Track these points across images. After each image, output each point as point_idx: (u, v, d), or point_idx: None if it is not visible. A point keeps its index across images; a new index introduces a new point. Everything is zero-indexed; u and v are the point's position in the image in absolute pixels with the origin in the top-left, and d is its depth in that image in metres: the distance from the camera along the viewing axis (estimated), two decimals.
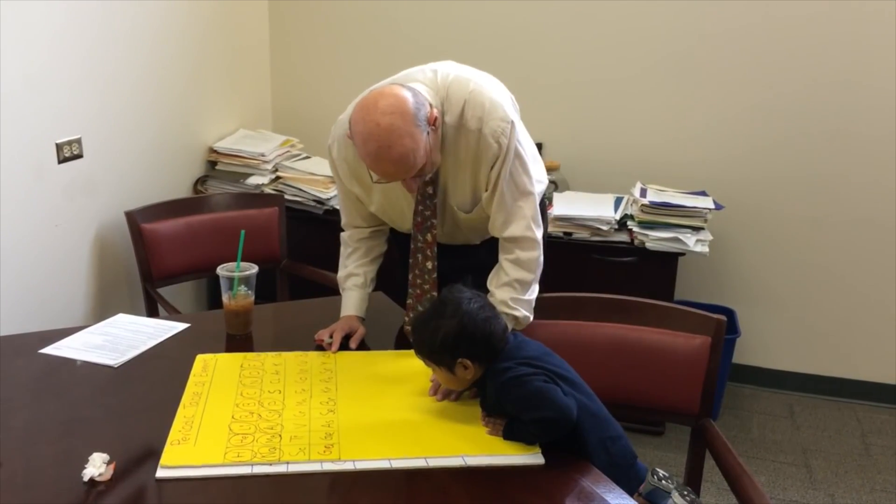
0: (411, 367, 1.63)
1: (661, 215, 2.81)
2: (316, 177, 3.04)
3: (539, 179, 1.80)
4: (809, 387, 3.26)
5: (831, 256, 3.12)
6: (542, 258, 1.74)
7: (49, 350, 1.75)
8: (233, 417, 1.49)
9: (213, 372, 1.67)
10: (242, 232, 1.89)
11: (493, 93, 1.68)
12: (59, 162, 2.40)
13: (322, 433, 1.44)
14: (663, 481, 1.39)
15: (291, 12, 3.44)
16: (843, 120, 2.98)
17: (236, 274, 1.83)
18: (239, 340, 1.86)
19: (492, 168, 1.67)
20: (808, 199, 3.08)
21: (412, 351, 1.54)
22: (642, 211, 2.83)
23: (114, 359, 1.72)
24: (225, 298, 1.85)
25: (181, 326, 1.91)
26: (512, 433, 1.43)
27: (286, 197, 2.97)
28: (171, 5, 2.82)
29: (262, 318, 1.98)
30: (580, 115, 3.23)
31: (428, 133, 1.56)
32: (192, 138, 3.08)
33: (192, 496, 1.29)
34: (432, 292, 1.82)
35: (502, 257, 1.73)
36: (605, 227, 2.83)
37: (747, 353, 3.27)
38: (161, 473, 1.32)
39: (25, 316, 2.30)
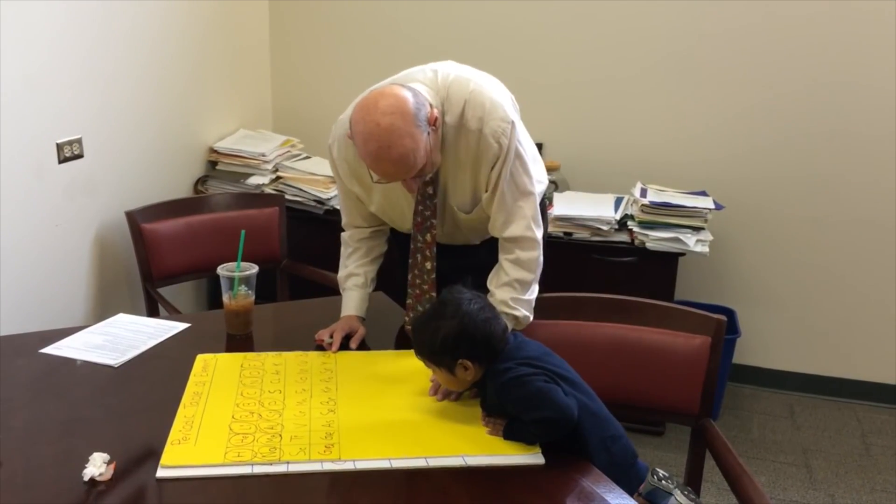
0: (411, 367, 1.63)
1: (661, 215, 2.81)
2: (316, 177, 3.04)
3: (539, 179, 1.80)
4: (809, 387, 3.26)
5: (831, 256, 3.12)
6: (542, 258, 1.74)
7: (49, 350, 1.75)
8: (233, 417, 1.49)
9: (214, 372, 1.67)
10: (243, 232, 1.89)
11: (493, 93, 1.68)
12: (60, 162, 2.40)
13: (322, 433, 1.44)
14: (663, 481, 1.39)
15: (291, 12, 3.44)
16: (843, 120, 2.98)
17: (237, 274, 1.83)
18: (239, 340, 1.86)
19: (492, 168, 1.67)
20: (807, 199, 3.08)
21: (412, 351, 1.54)
22: (642, 211, 2.83)
23: (114, 359, 1.72)
24: (225, 298, 1.85)
25: (181, 326, 1.91)
26: (512, 433, 1.43)
27: (286, 197, 2.97)
28: (171, 5, 2.82)
29: (263, 318, 1.98)
30: (580, 115, 3.23)
31: (428, 133, 1.56)
32: (192, 138, 3.08)
33: (192, 496, 1.29)
34: (431, 293, 1.81)
35: (502, 257, 1.73)
36: (605, 227, 2.83)
37: (747, 353, 3.27)
38: (161, 473, 1.32)
39: (26, 316, 2.31)
